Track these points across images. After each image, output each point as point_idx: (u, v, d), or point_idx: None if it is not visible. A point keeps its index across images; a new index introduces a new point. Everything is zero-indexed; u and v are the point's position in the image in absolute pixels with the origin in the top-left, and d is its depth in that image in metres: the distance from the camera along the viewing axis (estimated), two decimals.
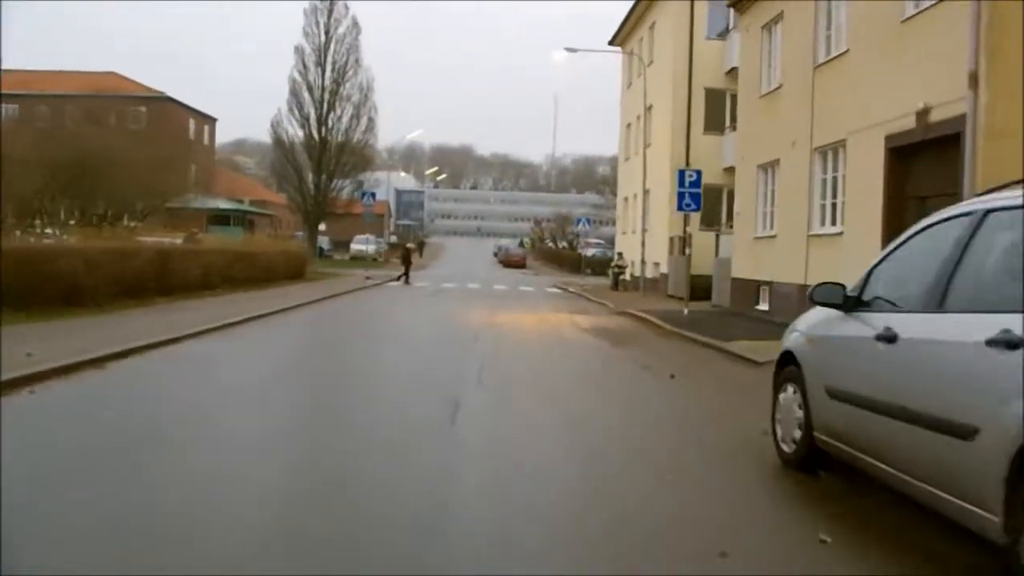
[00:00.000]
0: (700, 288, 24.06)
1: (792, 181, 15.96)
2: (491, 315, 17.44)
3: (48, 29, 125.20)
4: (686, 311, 15.61)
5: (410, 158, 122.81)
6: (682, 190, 15.22)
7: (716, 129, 25.91)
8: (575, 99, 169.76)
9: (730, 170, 25.34)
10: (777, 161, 16.89)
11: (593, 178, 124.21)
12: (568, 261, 56.08)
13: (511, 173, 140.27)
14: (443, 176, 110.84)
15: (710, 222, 26.05)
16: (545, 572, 3.57)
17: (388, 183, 69.44)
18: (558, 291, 31.14)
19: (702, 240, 24.36)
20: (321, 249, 47.34)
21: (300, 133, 51.18)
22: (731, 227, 25.72)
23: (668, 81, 26.59)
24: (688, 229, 25.65)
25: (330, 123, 52.17)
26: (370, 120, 52.39)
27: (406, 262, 31.86)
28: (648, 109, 28.79)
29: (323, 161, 51.65)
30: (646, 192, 28.64)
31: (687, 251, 25.09)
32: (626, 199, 33.96)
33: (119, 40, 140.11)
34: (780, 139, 16.59)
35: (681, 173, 15.35)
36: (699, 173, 15.42)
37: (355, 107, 52.19)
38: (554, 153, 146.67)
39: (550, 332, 14.64)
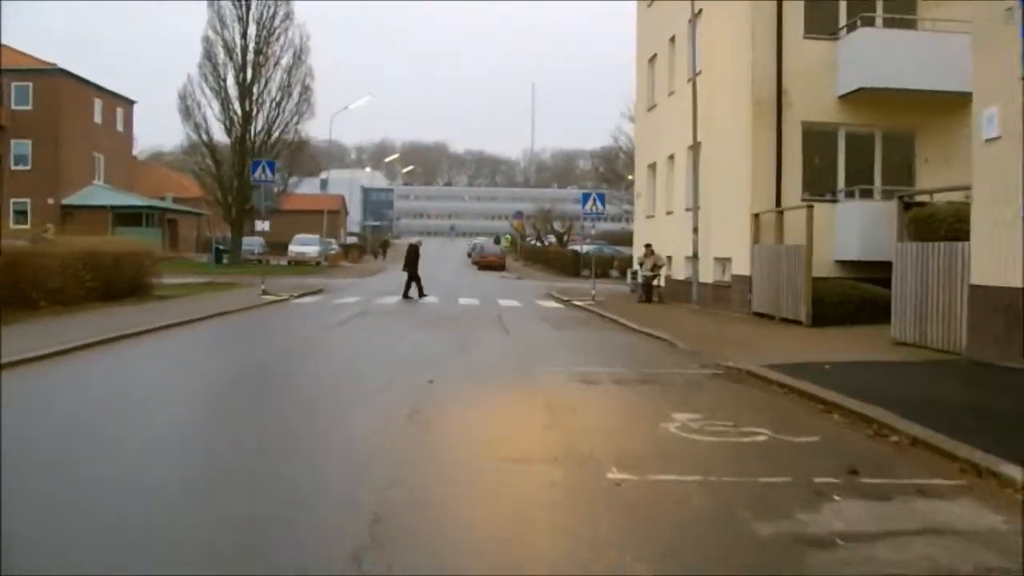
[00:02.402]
0: (826, 303, 13.60)
1: None
2: (416, 439, 6.47)
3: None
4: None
5: (381, 156, 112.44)
6: None
7: (824, 31, 15.57)
8: (552, 90, 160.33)
9: (849, 98, 15.01)
10: None
11: (574, 173, 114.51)
12: (557, 261, 45.88)
13: (487, 170, 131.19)
14: (410, 168, 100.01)
15: (816, 187, 15.62)
16: None
17: (329, 177, 58.77)
18: (558, 305, 20.47)
19: (798, 220, 13.92)
20: (219, 250, 36.02)
21: (215, 106, 40.21)
22: (843, 194, 15.40)
23: None
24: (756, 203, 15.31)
25: (255, 93, 41.25)
26: (305, 89, 41.59)
27: (412, 267, 20.88)
28: (696, 16, 18.22)
29: (246, 142, 40.64)
30: (695, 147, 18.11)
31: (783, 238, 14.73)
32: (652, 166, 23.22)
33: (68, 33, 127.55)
34: None
35: None
36: None
37: (286, 72, 41.33)
38: (532, 147, 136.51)
39: None
